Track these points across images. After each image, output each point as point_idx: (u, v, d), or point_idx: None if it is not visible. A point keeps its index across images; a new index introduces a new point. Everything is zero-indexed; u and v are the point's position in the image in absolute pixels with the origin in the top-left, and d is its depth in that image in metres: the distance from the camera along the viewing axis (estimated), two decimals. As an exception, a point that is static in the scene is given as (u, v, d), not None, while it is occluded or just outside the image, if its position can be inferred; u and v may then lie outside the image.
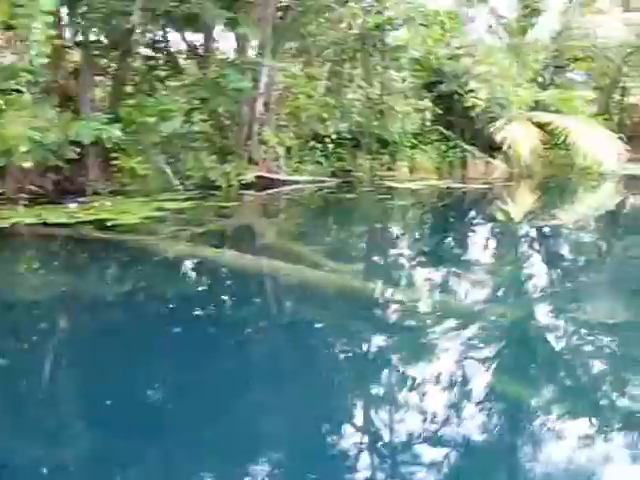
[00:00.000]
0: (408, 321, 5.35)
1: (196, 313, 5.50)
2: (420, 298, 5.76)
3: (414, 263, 7.49)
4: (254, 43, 11.82)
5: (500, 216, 10.94)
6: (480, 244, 8.72)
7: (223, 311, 5.67)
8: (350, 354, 4.65)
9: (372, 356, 4.51)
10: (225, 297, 6.16)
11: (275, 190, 11.97)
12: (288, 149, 12.60)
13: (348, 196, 11.77)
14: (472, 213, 11.42)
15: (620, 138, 18.03)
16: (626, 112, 20.35)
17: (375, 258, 7.71)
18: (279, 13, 11.46)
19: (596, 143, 13.55)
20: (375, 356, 4.51)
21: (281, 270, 6.58)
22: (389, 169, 13.68)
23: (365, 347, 4.77)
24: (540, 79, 15.81)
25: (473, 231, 9.71)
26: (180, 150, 11.71)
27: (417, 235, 9.14)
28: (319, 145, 12.90)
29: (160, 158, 11.29)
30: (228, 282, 6.81)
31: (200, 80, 10.83)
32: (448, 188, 12.65)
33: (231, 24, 9.99)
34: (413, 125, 13.81)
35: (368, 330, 4.95)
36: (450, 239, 9.01)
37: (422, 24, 11.85)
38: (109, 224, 8.28)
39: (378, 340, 4.83)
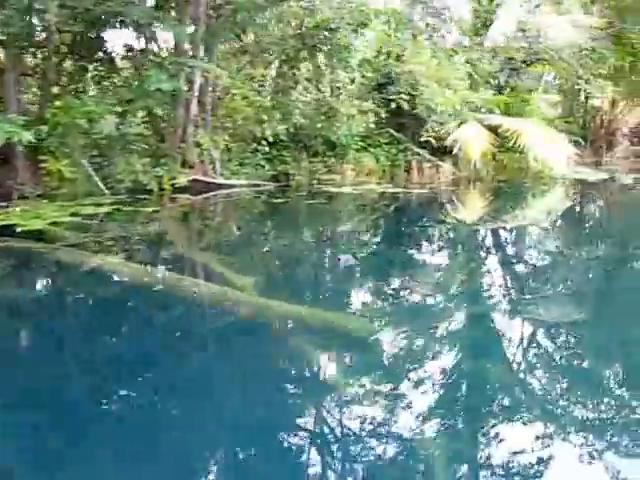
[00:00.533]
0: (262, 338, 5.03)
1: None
2: (310, 311, 5.41)
3: (319, 274, 7.18)
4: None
5: (433, 222, 10.64)
6: (407, 251, 8.40)
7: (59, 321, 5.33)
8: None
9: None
10: (83, 308, 5.79)
11: (211, 194, 11.64)
12: (228, 151, 12.28)
13: (278, 201, 11.44)
14: (403, 218, 11.04)
15: (577, 142, 17.90)
16: (589, 115, 20.18)
17: (279, 270, 7.35)
18: (213, 12, 11.11)
19: (546, 147, 13.29)
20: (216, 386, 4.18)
21: (166, 282, 6.28)
22: (334, 172, 13.36)
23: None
24: (496, 81, 15.58)
25: (399, 236, 9.38)
26: (112, 153, 11.39)
27: (336, 245, 8.76)
28: (262, 148, 12.57)
29: (87, 161, 10.97)
30: (98, 293, 6.33)
31: (126, 81, 10.46)
32: (383, 193, 12.31)
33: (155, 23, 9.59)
34: (360, 127, 13.49)
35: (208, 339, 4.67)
36: (366, 247, 8.68)
37: (364, 23, 11.50)
38: (18, 230, 7.95)
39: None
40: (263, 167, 12.61)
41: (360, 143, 13.75)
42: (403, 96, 12.92)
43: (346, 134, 13.37)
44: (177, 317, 5.46)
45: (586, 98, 19.96)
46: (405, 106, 13.13)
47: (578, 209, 12.42)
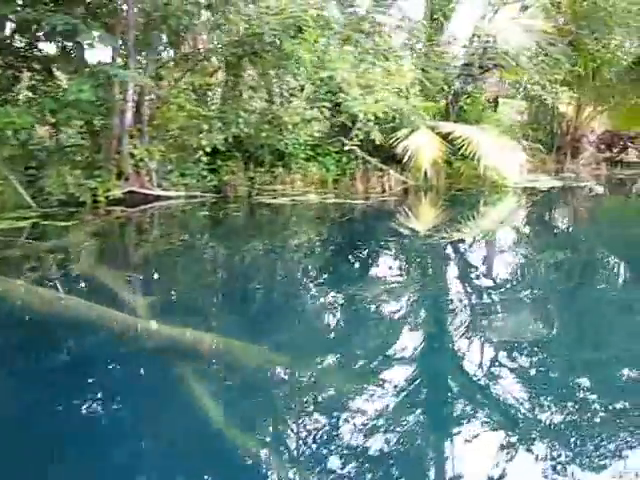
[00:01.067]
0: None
1: None
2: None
3: (231, 296, 6.87)
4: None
5: (376, 234, 10.34)
6: (342, 269, 8.05)
7: None
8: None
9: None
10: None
11: (148, 206, 11.31)
12: (169, 162, 11.96)
13: (216, 213, 11.14)
14: (344, 230, 10.69)
15: (542, 149, 17.65)
16: (556, 121, 19.91)
17: (188, 290, 7.01)
18: (143, 20, 10.82)
19: (497, 154, 13.01)
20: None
21: (44, 300, 5.94)
22: (282, 182, 13.04)
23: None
24: (453, 87, 15.30)
25: (336, 252, 9.05)
26: (47, 165, 11.09)
27: (265, 262, 8.40)
28: (206, 158, 12.24)
29: (20, 173, 10.68)
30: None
31: (52, 91, 10.16)
32: (329, 203, 11.99)
33: (75, 31, 9.28)
34: (307, 136, 13.17)
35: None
36: (297, 263, 8.37)
37: (300, 29, 11.19)
38: None
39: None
40: (205, 178, 12.28)
41: (309, 152, 13.43)
42: (326, 104, 12.63)
43: (294, 143, 13.06)
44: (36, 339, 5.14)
45: (552, 104, 19.73)
46: (327, 114, 12.86)
47: (523, 220, 12.14)
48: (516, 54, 14.76)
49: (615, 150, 20.13)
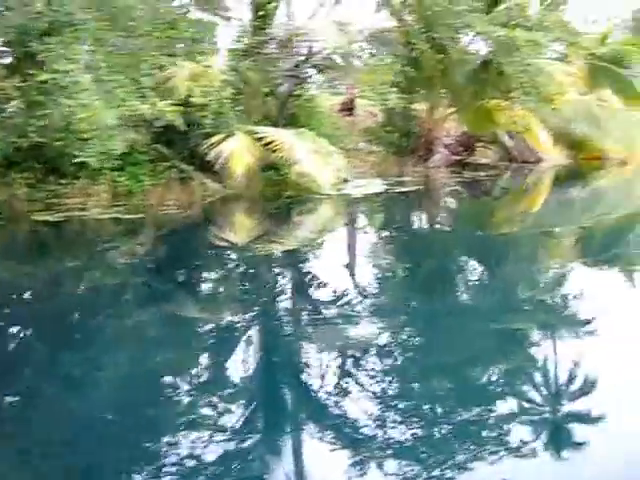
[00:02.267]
0: None
1: None
2: None
3: None
4: None
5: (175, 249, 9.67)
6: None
7: None
8: None
9: None
10: None
11: None
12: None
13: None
14: (132, 248, 9.94)
15: (396, 151, 17.32)
16: (411, 123, 19.76)
17: None
18: None
19: (312, 160, 12.53)
20: None
21: None
22: (85, 195, 12.14)
23: None
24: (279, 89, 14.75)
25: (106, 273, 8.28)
26: None
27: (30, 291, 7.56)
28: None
29: None
30: None
31: None
32: (124, 218, 11.21)
33: None
34: (115, 145, 12.28)
35: None
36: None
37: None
38: None
39: None
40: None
41: (117, 161, 12.55)
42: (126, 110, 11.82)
43: (96, 152, 12.13)
44: None
45: (404, 106, 19.60)
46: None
47: (333, 229, 11.74)
48: (344, 54, 14.41)
49: (465, 152, 20.16)
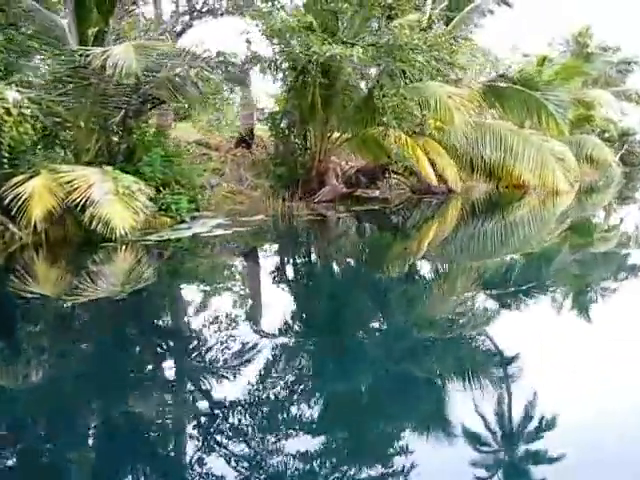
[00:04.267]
0: None
1: None
2: None
3: None
4: None
5: None
6: None
7: None
8: None
9: None
10: None
11: None
12: None
13: None
14: None
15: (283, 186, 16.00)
16: (306, 155, 18.41)
17: None
18: None
19: (111, 202, 11.21)
20: None
21: None
22: None
23: None
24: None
25: None
26: None
27: None
28: None
29: None
30: None
31: None
32: None
33: None
34: None
35: None
36: None
37: None
38: None
39: None
40: None
41: None
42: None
43: None
44: None
45: (294, 136, 18.33)
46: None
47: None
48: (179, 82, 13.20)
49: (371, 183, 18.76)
